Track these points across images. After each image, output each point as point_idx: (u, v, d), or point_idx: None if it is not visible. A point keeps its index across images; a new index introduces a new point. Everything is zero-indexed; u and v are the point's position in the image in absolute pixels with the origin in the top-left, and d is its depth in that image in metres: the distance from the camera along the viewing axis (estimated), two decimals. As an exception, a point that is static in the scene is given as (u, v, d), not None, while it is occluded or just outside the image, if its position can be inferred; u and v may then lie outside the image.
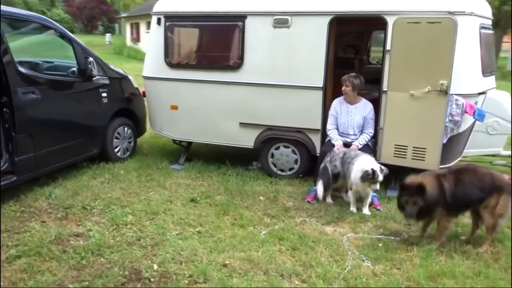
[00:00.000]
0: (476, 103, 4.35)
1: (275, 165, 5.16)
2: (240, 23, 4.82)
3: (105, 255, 3.28)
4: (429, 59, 4.10)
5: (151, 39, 5.39)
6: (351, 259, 3.30)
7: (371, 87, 5.34)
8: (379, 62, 6.90)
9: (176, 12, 5.13)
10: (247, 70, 4.91)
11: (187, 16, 5.11)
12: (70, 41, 4.77)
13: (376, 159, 4.31)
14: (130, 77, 5.83)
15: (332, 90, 4.99)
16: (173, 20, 5.14)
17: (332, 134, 4.65)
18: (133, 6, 33.42)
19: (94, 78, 4.94)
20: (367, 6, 4.44)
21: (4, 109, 4.01)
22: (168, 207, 4.21)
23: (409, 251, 3.44)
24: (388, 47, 4.29)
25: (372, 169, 3.87)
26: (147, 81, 5.50)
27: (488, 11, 4.55)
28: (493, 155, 5.06)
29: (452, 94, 4.13)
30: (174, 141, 5.79)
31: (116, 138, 5.54)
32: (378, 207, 4.27)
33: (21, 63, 4.18)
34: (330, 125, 4.72)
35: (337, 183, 4.43)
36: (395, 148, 4.46)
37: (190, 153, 5.80)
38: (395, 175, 4.56)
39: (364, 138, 4.57)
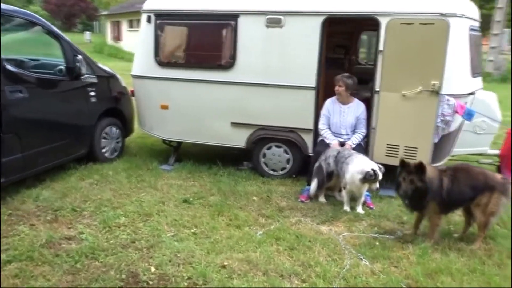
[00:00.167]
0: (465, 103, 4.44)
1: (267, 165, 5.15)
2: (232, 22, 4.78)
3: (99, 259, 3.19)
4: (421, 60, 4.16)
5: (141, 37, 5.29)
6: (349, 258, 3.31)
7: (360, 87, 5.38)
8: (367, 62, 7.00)
9: (167, 10, 5.05)
10: (239, 70, 4.88)
11: (179, 14, 5.04)
12: (58, 38, 4.64)
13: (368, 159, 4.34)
14: (118, 75, 5.72)
15: (323, 90, 5.01)
16: (163, 18, 5.06)
17: (326, 133, 4.67)
18: (113, 4, 32.89)
19: (82, 77, 4.81)
20: (360, 7, 4.47)
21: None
22: (161, 209, 4.14)
23: (405, 249, 3.47)
24: (381, 47, 4.32)
25: (373, 170, 3.91)
26: (136, 80, 5.40)
27: (476, 13, 4.65)
28: (480, 154, 5.17)
29: (443, 95, 4.20)
30: (163, 141, 5.71)
31: (104, 138, 5.42)
32: (371, 206, 4.31)
33: (8, 60, 4.04)
34: (322, 125, 4.73)
35: (330, 182, 4.45)
36: (387, 147, 4.51)
37: (179, 153, 5.73)
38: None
39: (357, 138, 4.60)
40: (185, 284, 2.93)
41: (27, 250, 3.24)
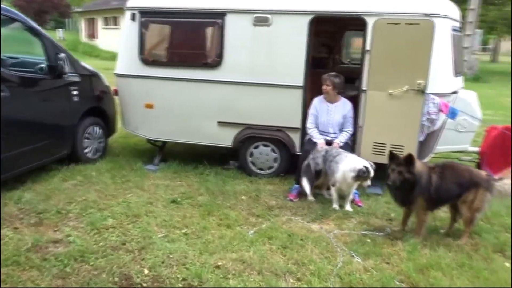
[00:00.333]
0: (449, 102, 4.56)
1: (254, 164, 5.14)
2: (219, 21, 4.74)
3: (90, 262, 3.11)
4: (408, 59, 4.25)
5: (124, 35, 5.18)
6: (341, 255, 3.34)
7: (344, 86, 5.43)
8: (351, 61, 7.08)
9: (152, 7, 4.96)
10: (226, 68, 4.85)
11: (165, 12, 4.96)
12: (39, 35, 4.49)
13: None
14: (100, 74, 5.59)
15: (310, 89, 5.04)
16: (148, 16, 4.97)
17: (313, 132, 4.70)
18: (87, 1, 32.10)
19: (65, 75, 4.67)
20: (348, 7, 4.51)
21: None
22: (149, 209, 4.07)
23: (395, 245, 3.53)
24: (367, 47, 4.38)
25: (365, 167, 3.96)
26: (120, 78, 5.28)
27: (457, 14, 4.78)
28: (461, 152, 5.32)
29: (428, 93, 4.30)
30: (148, 140, 5.62)
31: (87, 138, 5.29)
32: (359, 204, 4.37)
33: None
34: (310, 124, 4.76)
35: (318, 180, 4.48)
36: (374, 145, 4.58)
37: (164, 153, 5.65)
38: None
39: (344, 136, 4.65)
40: (180, 285, 2.90)
41: (12, 254, 3.12)
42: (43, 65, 4.55)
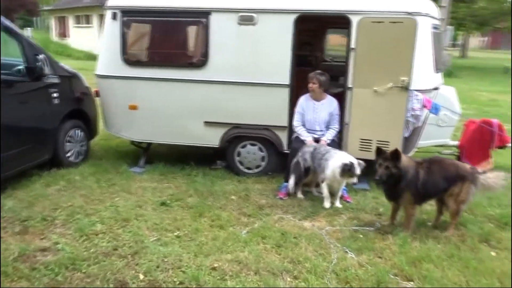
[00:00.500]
0: (431, 98, 4.67)
1: (242, 163, 5.13)
2: (204, 20, 4.69)
3: (82, 269, 3.03)
4: (391, 57, 4.33)
5: (105, 35, 5.05)
6: (335, 252, 3.38)
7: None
8: (333, 59, 7.15)
9: (134, 6, 4.87)
10: (212, 68, 4.81)
11: (147, 11, 4.87)
12: (16, 35, 4.32)
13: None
14: (80, 74, 5.44)
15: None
16: (131, 15, 4.86)
17: (301, 130, 4.72)
18: (57, 0, 31.17)
19: (44, 77, 4.53)
20: (332, 5, 4.55)
21: None
22: (138, 213, 4.00)
23: (386, 240, 3.61)
24: (352, 45, 4.44)
25: (351, 162, 4.01)
26: (101, 79, 5.15)
27: (437, 12, 4.90)
28: (442, 146, 5.47)
29: (412, 90, 4.40)
30: (132, 142, 5.51)
31: (68, 141, 5.14)
32: (348, 200, 4.43)
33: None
34: (296, 122, 4.78)
35: (307, 177, 4.51)
36: (360, 142, 4.65)
37: (149, 155, 5.56)
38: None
39: (331, 134, 4.70)
40: (178, 289, 2.86)
41: (-1, 265, 3.01)
42: (20, 67, 4.39)
